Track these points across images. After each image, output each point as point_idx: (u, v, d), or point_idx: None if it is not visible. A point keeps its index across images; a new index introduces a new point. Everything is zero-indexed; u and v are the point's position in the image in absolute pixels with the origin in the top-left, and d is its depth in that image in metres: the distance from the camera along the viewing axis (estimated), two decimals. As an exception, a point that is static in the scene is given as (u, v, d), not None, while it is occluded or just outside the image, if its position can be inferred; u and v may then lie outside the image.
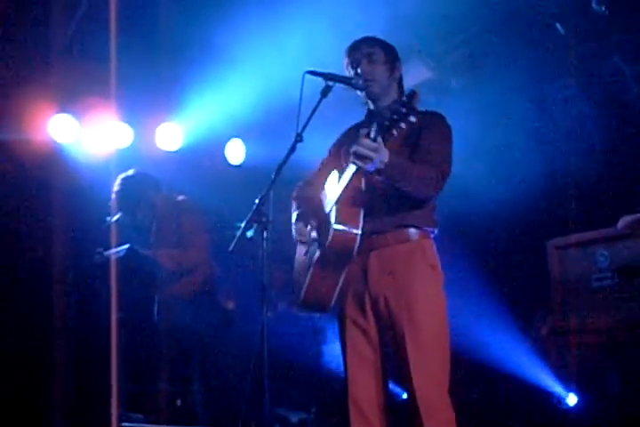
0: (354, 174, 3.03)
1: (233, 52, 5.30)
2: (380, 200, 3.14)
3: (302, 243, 3.34)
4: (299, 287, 3.23)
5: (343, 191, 3.09)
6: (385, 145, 2.95)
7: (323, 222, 3.21)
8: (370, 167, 2.94)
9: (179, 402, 4.89)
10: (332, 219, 3.09)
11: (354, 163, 2.95)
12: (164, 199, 5.04)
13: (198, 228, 4.97)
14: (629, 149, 4.97)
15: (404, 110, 2.82)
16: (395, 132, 2.88)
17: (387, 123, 2.86)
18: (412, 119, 2.84)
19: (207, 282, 4.96)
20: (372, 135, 2.89)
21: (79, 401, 5.06)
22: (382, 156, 2.92)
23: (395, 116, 2.84)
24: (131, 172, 5.06)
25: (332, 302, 3.17)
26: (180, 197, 5.08)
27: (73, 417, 5.06)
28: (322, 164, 3.50)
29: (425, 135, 3.16)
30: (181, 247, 4.87)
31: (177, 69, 5.75)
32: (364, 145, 2.89)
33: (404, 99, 2.83)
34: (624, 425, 4.20)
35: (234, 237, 3.20)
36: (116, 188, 5.00)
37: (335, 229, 3.07)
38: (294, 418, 5.33)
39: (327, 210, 3.18)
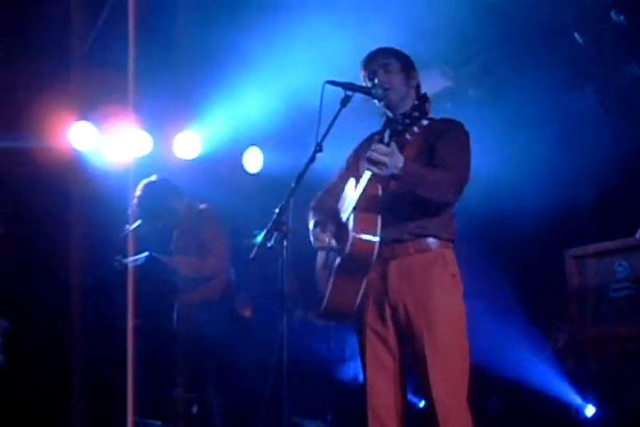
0: (369, 181, 3.04)
1: (251, 61, 5.33)
2: (397, 207, 3.15)
3: (321, 249, 3.36)
4: (320, 296, 3.24)
5: (360, 198, 3.10)
6: (402, 151, 2.98)
7: (341, 230, 3.22)
8: (385, 172, 2.95)
9: (195, 409, 4.89)
10: (351, 226, 3.10)
11: (369, 169, 2.97)
12: (186, 207, 5.06)
13: (218, 236, 4.98)
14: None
15: (416, 114, 2.85)
16: (408, 136, 2.90)
17: (399, 127, 2.89)
18: (424, 122, 2.87)
19: (225, 289, 4.97)
20: (386, 140, 2.92)
21: (96, 408, 5.08)
22: (396, 160, 2.94)
23: (407, 121, 2.87)
24: (153, 177, 5.08)
25: (354, 311, 3.18)
26: (203, 206, 5.10)
27: (89, 424, 5.08)
28: (339, 174, 3.51)
29: (442, 141, 3.18)
30: (200, 255, 4.89)
31: (195, 78, 5.78)
32: (378, 150, 2.92)
33: (416, 102, 2.86)
34: (642, 436, 4.18)
35: (251, 244, 3.22)
36: (137, 193, 5.01)
37: (354, 237, 3.08)
38: (310, 426, 5.33)
39: (345, 218, 3.20)
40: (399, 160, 2.94)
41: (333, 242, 3.25)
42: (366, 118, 3.53)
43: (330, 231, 3.29)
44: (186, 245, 4.96)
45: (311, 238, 3.38)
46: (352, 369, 5.34)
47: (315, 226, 3.37)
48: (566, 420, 4.59)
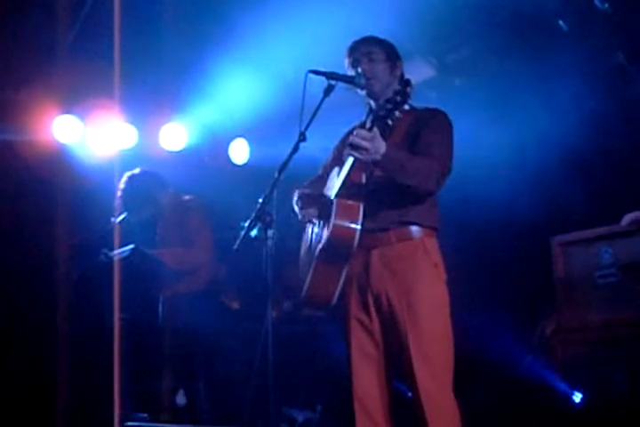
0: (352, 166, 3.03)
1: (237, 52, 5.31)
2: (380, 195, 3.14)
3: (309, 221, 3.34)
4: (301, 284, 3.23)
5: (342, 185, 3.10)
6: (386, 138, 2.97)
7: (324, 217, 3.21)
8: (366, 157, 2.94)
9: (182, 400, 4.89)
10: (332, 213, 3.09)
11: (350, 154, 2.96)
12: (170, 198, 5.07)
13: (203, 227, 4.99)
14: (634, 146, 4.97)
15: (398, 98, 2.85)
16: (390, 121, 2.90)
17: (381, 113, 2.89)
18: (406, 107, 2.87)
19: (211, 281, 4.97)
20: (368, 126, 2.92)
21: (83, 401, 5.07)
22: (378, 146, 2.93)
23: (388, 106, 2.87)
24: (137, 170, 5.09)
25: (335, 299, 3.17)
26: (187, 197, 5.11)
27: (76, 417, 5.07)
28: (325, 165, 3.51)
29: (425, 130, 3.18)
30: (186, 246, 4.89)
31: (180, 70, 5.77)
32: (360, 135, 2.92)
33: (398, 87, 2.86)
34: (631, 423, 4.18)
35: (237, 236, 3.21)
36: (121, 185, 5.03)
37: (335, 224, 3.07)
38: (300, 417, 5.33)
39: (328, 204, 3.19)
40: (381, 145, 2.93)
41: (320, 223, 3.25)
42: (351, 107, 3.52)
43: (315, 208, 3.29)
44: (170, 237, 4.97)
45: (296, 209, 3.35)
46: (341, 359, 5.34)
47: (299, 198, 3.36)
48: (554, 407, 4.59)
